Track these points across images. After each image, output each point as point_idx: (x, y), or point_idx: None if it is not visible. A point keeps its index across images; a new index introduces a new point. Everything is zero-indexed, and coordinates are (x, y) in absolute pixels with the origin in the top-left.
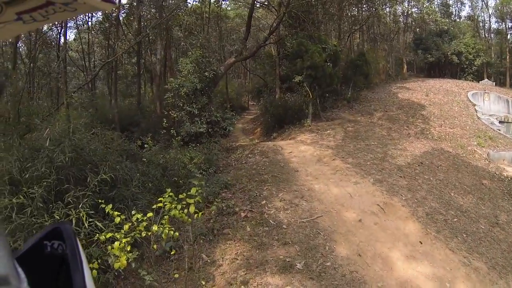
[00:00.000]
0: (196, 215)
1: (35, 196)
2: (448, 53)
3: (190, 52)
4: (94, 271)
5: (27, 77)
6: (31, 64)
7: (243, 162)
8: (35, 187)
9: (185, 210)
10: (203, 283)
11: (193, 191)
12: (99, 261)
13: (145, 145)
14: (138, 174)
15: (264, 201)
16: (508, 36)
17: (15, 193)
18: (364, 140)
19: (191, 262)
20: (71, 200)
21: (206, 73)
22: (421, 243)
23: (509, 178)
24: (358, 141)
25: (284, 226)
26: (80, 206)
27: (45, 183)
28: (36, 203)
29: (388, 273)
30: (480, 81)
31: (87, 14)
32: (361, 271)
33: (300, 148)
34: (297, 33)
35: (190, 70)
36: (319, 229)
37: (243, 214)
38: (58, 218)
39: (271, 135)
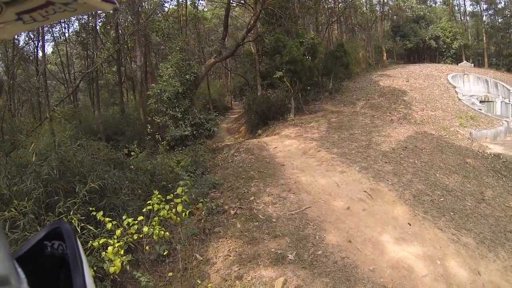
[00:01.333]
0: (183, 213)
1: (26, 211)
2: (426, 38)
3: (170, 57)
4: None
5: (7, 94)
6: (11, 81)
7: (230, 161)
8: (25, 201)
9: (173, 210)
10: (199, 281)
11: (179, 190)
12: (94, 268)
13: (132, 153)
14: (127, 182)
15: (252, 197)
16: (484, 18)
17: (5, 209)
18: (348, 129)
19: (185, 263)
20: (62, 210)
21: (187, 76)
22: (410, 225)
23: (492, 155)
24: (342, 131)
25: (274, 220)
26: (71, 213)
27: (34, 195)
28: (28, 217)
29: (379, 256)
30: (459, 64)
31: (63, 25)
32: (352, 257)
33: (285, 143)
34: (275, 29)
35: (171, 74)
36: (308, 220)
37: (232, 212)
38: None
39: (256, 133)
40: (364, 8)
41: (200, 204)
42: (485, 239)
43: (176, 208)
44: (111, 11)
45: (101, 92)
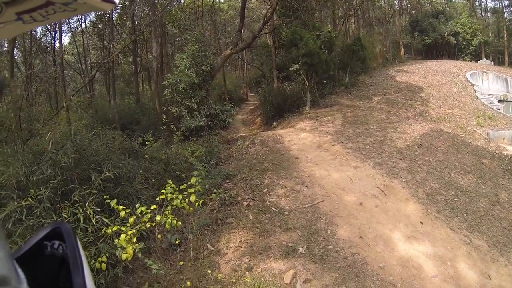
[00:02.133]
0: (196, 203)
1: (42, 198)
2: (445, 34)
3: (186, 47)
4: (104, 264)
5: (25, 84)
6: (28, 71)
7: (244, 152)
8: (41, 189)
9: (186, 200)
10: (209, 271)
11: (193, 180)
12: (107, 255)
13: (147, 142)
14: (141, 171)
15: (265, 189)
16: (506, 15)
17: (23, 196)
18: (363, 124)
19: (196, 252)
20: (77, 199)
21: (203, 67)
22: (422, 224)
23: (509, 157)
24: (357, 126)
25: (286, 213)
26: (86, 204)
27: (51, 184)
28: (44, 204)
29: (389, 254)
30: (478, 61)
31: (80, 16)
32: (363, 253)
33: (299, 136)
34: (291, 22)
35: (187, 65)
36: (321, 214)
37: (245, 203)
38: (66, 216)
39: (271, 125)
40: (382, 2)
41: (214, 194)
42: (498, 242)
43: (190, 198)
44: (127, 2)
45: (117, 82)
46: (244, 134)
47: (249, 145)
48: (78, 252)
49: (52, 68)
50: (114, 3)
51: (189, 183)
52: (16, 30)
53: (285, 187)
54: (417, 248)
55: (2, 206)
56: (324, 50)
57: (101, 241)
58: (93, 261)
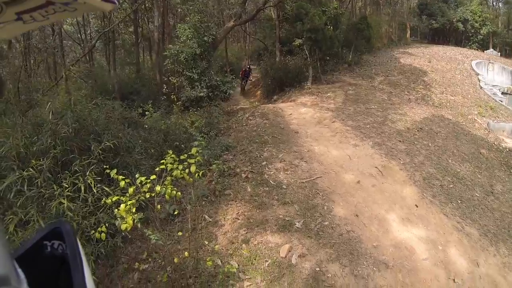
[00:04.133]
0: (196, 174)
1: (43, 169)
2: (454, 20)
3: (188, 18)
4: (103, 234)
5: (23, 55)
6: (26, 42)
7: (244, 124)
8: (42, 160)
9: (186, 170)
10: (206, 242)
11: (193, 151)
12: (106, 225)
13: (146, 112)
14: (140, 141)
15: (264, 162)
16: None
17: (23, 167)
18: (364, 103)
19: (194, 223)
20: (77, 169)
21: (205, 38)
22: (417, 207)
23: (507, 150)
24: (358, 104)
25: (284, 186)
26: (87, 173)
27: (51, 154)
28: (45, 175)
29: (383, 234)
30: (485, 51)
31: None
32: (358, 231)
33: (300, 110)
34: None
35: (189, 36)
36: (318, 190)
37: (244, 175)
38: (66, 186)
39: (271, 98)
40: None
41: (214, 165)
42: (489, 232)
43: (190, 169)
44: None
45: (117, 52)
46: (244, 106)
47: (249, 117)
48: (78, 252)
49: (51, 38)
50: (114, 3)
51: (189, 153)
52: (16, 30)
53: (284, 161)
54: (411, 230)
55: (3, 177)
56: (329, 27)
57: (100, 211)
58: (93, 231)
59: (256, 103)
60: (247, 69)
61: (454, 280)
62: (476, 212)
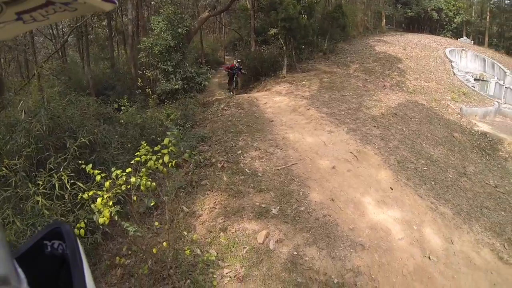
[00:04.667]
0: (170, 164)
1: (17, 168)
2: (428, 9)
3: (162, 10)
4: (82, 230)
5: None
6: None
7: (219, 115)
8: (16, 159)
9: (160, 161)
10: (185, 233)
11: (166, 141)
12: (85, 221)
13: (122, 107)
14: (116, 136)
15: (239, 151)
16: None
17: None
18: (339, 90)
19: (172, 215)
20: (52, 167)
21: (179, 30)
22: (392, 189)
23: (479, 133)
24: (333, 92)
25: (260, 174)
26: (61, 170)
27: (25, 153)
28: (20, 174)
29: (359, 217)
30: (458, 39)
31: None
32: (334, 215)
33: (275, 99)
34: None
35: (163, 28)
36: (294, 176)
37: (219, 165)
38: (41, 183)
39: (247, 88)
40: None
41: (187, 154)
42: (462, 211)
43: (163, 159)
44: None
45: (91, 47)
46: (220, 98)
47: (225, 108)
48: (78, 252)
49: (21, 35)
50: (115, 3)
51: (162, 144)
52: (16, 30)
53: (259, 149)
54: (386, 212)
55: None
56: (303, 16)
57: (78, 207)
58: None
59: (232, 93)
60: (235, 66)
61: (429, 257)
62: (449, 192)
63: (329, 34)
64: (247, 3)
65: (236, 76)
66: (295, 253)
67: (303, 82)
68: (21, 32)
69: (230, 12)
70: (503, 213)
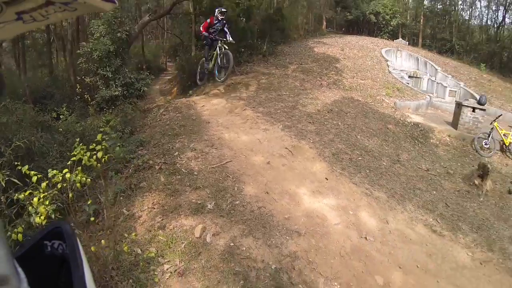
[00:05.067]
0: (103, 159)
1: None
2: (367, 13)
3: (102, 13)
4: (20, 235)
5: None
6: None
7: (158, 120)
8: None
9: (94, 157)
10: (126, 235)
11: (98, 137)
12: (22, 226)
13: (61, 116)
14: (55, 145)
15: (176, 153)
16: (425, 2)
17: None
18: (276, 90)
19: (113, 219)
20: None
21: (119, 34)
22: (327, 179)
23: (412, 124)
24: (270, 92)
25: (195, 173)
26: None
27: None
28: None
29: (295, 207)
30: (394, 40)
31: None
32: (269, 206)
33: (212, 101)
34: None
35: (102, 32)
36: (228, 173)
37: (157, 167)
38: None
39: (187, 93)
40: None
41: (117, 148)
42: (396, 194)
43: (97, 155)
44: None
45: (28, 54)
46: (160, 103)
47: (163, 113)
48: (78, 252)
49: None
50: (115, 2)
51: (95, 140)
52: (16, 30)
53: (195, 149)
54: (322, 201)
55: None
56: (242, 18)
57: (14, 212)
58: (9, 233)
59: (171, 99)
60: (216, 22)
61: (366, 238)
62: (383, 178)
63: (269, 36)
64: (190, 8)
65: (220, 45)
66: (232, 244)
67: (241, 84)
68: (21, 32)
69: (173, 17)
70: (434, 192)
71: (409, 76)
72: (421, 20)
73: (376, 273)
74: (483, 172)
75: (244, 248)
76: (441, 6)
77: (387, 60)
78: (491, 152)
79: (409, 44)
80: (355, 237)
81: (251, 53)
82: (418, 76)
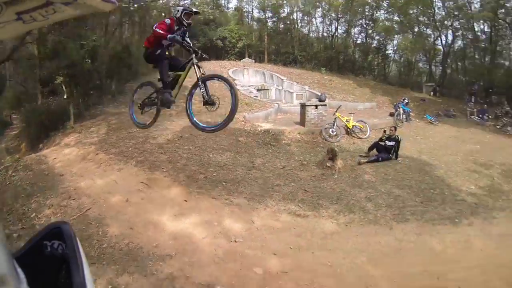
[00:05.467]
0: None
1: None
2: (214, 39)
3: None
4: None
5: None
6: None
7: (7, 183)
8: None
9: None
10: None
11: None
12: None
13: None
14: None
15: (33, 214)
16: (268, 23)
17: None
18: (127, 129)
19: None
20: None
21: None
22: (186, 201)
23: (263, 131)
24: (121, 131)
25: None
26: None
27: None
28: None
29: (161, 234)
30: (241, 60)
31: None
32: (136, 240)
33: (64, 152)
34: (60, 30)
35: None
36: (90, 220)
37: (15, 235)
38: None
39: (38, 147)
40: (155, 11)
41: None
42: (256, 195)
43: None
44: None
45: None
46: (8, 164)
47: (12, 174)
48: (78, 252)
49: None
50: (115, 3)
51: None
52: (16, 30)
53: (52, 205)
54: (185, 221)
55: None
56: (87, 60)
57: None
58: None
59: (19, 157)
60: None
61: (235, 241)
62: (241, 185)
63: (117, 75)
64: (34, 49)
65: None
66: (110, 286)
67: (92, 129)
68: (21, 32)
69: (15, 61)
70: (293, 183)
71: (258, 90)
72: (265, 39)
73: (254, 266)
74: (332, 154)
75: (123, 286)
76: (283, 25)
77: (234, 79)
78: (338, 137)
79: (255, 61)
80: (225, 244)
81: (100, 94)
82: (265, 88)
